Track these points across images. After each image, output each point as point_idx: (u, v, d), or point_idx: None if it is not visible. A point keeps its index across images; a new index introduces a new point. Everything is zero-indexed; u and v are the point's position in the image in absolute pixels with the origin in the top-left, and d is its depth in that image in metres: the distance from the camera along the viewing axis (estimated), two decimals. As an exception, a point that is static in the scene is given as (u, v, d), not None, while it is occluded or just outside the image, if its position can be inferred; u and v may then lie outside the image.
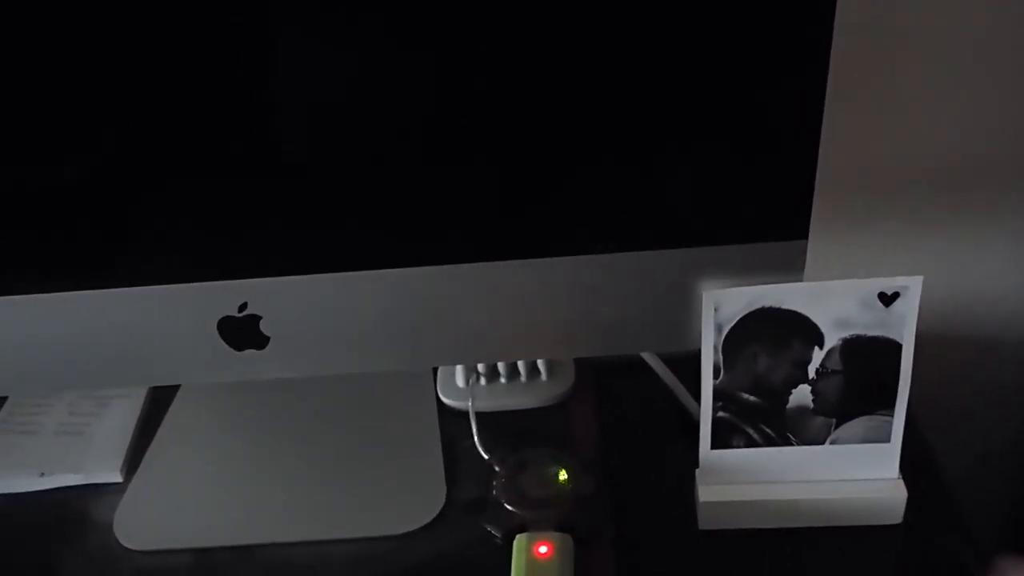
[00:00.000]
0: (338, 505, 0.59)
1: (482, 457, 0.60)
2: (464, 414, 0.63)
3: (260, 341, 0.54)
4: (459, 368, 0.66)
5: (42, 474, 0.62)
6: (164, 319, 0.54)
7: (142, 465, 0.63)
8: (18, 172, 0.49)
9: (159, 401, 0.69)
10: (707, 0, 0.44)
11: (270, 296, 0.53)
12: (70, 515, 0.61)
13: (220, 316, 0.53)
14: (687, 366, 0.68)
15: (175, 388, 0.70)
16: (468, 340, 0.55)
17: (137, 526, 0.59)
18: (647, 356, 0.64)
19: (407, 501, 0.59)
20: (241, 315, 0.53)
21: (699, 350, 0.53)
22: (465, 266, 0.52)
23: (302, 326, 0.54)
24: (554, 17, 0.45)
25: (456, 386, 0.66)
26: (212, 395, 0.70)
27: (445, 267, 0.52)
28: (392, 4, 0.44)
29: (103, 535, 0.59)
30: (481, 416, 0.63)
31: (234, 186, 0.50)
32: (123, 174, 0.49)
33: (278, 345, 0.54)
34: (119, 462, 0.63)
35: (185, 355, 0.55)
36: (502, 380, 0.65)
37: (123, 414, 0.67)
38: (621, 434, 0.63)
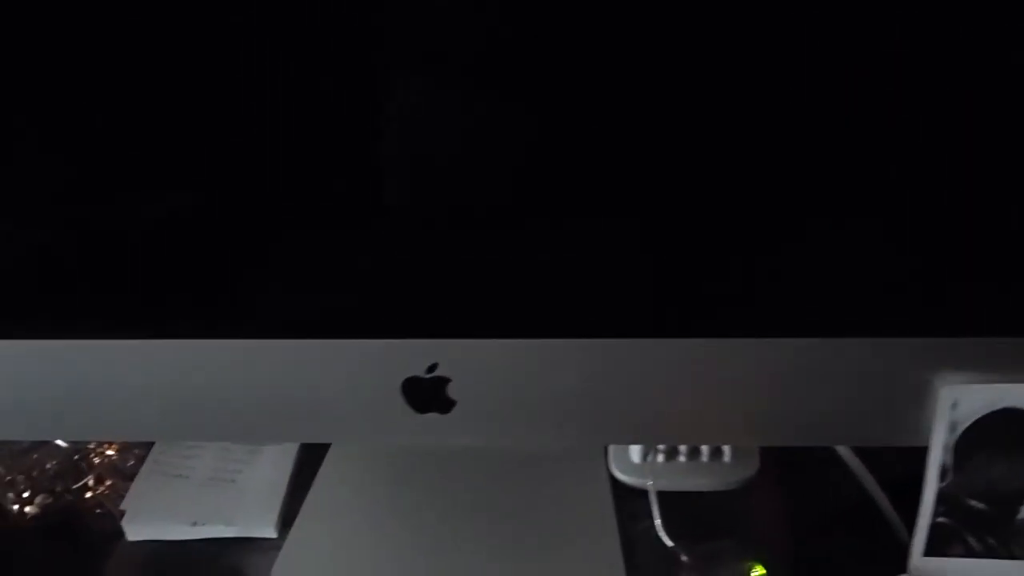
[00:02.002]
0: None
1: (663, 543, 0.56)
2: (638, 492, 0.59)
3: (445, 405, 0.51)
4: (633, 442, 0.62)
5: (195, 523, 0.60)
6: (348, 374, 0.51)
7: (297, 523, 0.60)
8: (209, 217, 0.47)
9: (310, 452, 0.66)
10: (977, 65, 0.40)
11: (462, 359, 0.50)
12: (223, 567, 0.58)
13: (407, 376, 0.50)
14: (873, 455, 0.63)
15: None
16: (667, 419, 0.51)
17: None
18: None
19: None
20: (429, 376, 0.50)
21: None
22: (675, 341, 0.48)
23: (491, 392, 0.51)
24: (813, 75, 0.41)
25: (631, 461, 0.61)
26: (369, 455, 0.66)
27: (647, 340, 0.49)
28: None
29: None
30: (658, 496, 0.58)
31: (435, 241, 0.47)
32: (323, 223, 0.47)
33: (463, 410, 0.51)
34: (274, 517, 0.60)
35: (362, 413, 0.52)
36: (681, 458, 0.61)
37: (274, 464, 0.64)
38: (809, 526, 0.58)
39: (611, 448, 0.63)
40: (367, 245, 0.48)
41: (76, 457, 0.65)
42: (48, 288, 0.50)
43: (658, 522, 0.56)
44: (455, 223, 0.47)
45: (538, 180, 0.46)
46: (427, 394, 0.51)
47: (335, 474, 0.64)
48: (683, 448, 0.61)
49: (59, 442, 0.65)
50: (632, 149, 0.44)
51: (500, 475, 0.63)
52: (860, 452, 0.61)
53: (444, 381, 0.50)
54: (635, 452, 0.61)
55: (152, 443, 0.66)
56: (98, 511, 0.63)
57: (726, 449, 0.61)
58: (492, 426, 0.52)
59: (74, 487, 0.64)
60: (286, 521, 0.60)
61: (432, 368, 0.50)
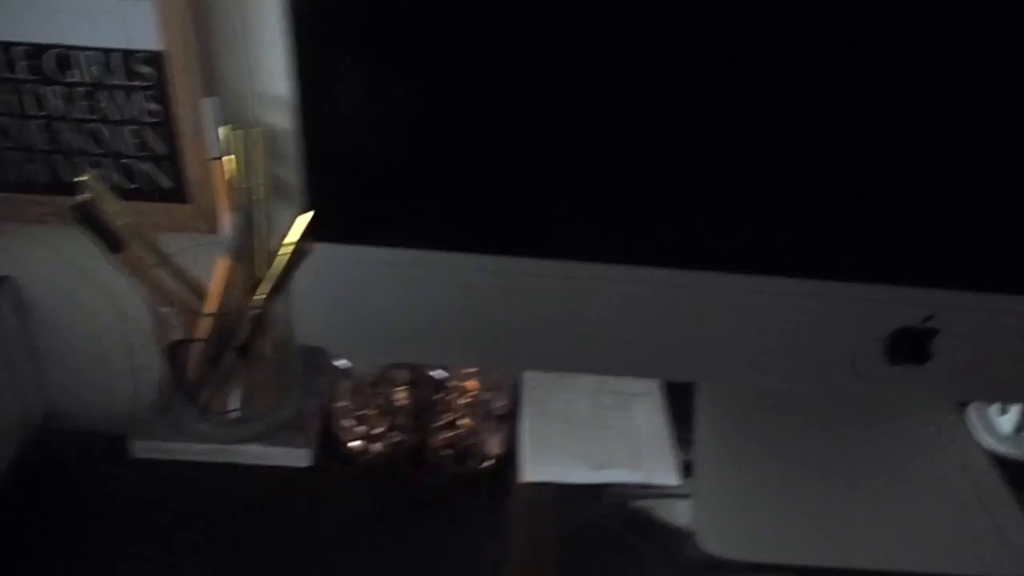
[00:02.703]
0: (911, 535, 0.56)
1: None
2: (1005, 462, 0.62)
3: (922, 357, 0.52)
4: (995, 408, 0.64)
5: (598, 467, 0.60)
6: (829, 319, 0.51)
7: (696, 471, 0.61)
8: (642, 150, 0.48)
9: (676, 397, 0.67)
10: None
11: (954, 312, 0.51)
12: (636, 514, 0.58)
13: (898, 325, 0.51)
14: None
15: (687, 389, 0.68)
16: None
17: (719, 534, 0.56)
18: None
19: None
20: (921, 327, 0.51)
21: None
22: None
23: (972, 348, 0.52)
24: None
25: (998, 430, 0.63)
26: (738, 399, 0.67)
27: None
28: None
29: (679, 539, 0.56)
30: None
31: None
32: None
33: (939, 363, 0.52)
34: (672, 463, 0.60)
35: (823, 361, 0.53)
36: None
37: (650, 413, 0.65)
38: None
39: (972, 411, 0.64)
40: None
41: (439, 395, 0.64)
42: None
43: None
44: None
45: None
46: (910, 345, 0.52)
47: (714, 424, 0.65)
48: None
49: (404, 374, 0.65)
50: None
51: (865, 427, 0.65)
52: None
53: (933, 333, 0.51)
54: (1007, 421, 0.63)
55: (515, 385, 0.66)
56: (453, 450, 0.63)
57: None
58: (964, 381, 0.53)
59: (435, 425, 0.63)
60: (683, 470, 0.61)
61: (927, 319, 0.51)
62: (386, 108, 0.46)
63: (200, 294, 0.57)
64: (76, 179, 0.52)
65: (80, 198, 0.50)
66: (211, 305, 0.55)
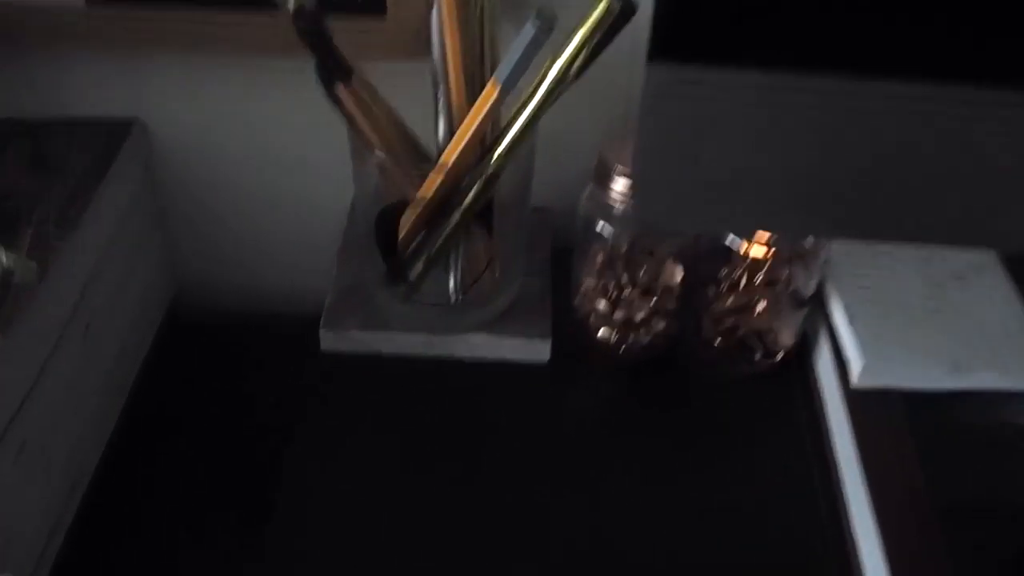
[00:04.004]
0: None
1: None
2: None
3: None
4: None
5: (955, 369, 0.43)
6: None
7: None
8: None
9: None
10: None
11: None
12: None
13: None
14: None
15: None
16: None
17: None
18: None
19: None
20: None
21: None
22: None
23: None
24: None
25: None
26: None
27: None
28: None
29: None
30: None
31: None
32: None
33: None
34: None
35: None
36: None
37: (990, 294, 0.47)
38: None
39: None
40: None
41: (722, 271, 0.48)
42: None
43: None
44: None
45: None
46: None
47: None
48: None
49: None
50: None
51: None
52: None
53: None
54: None
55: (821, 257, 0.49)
56: (738, 341, 0.47)
57: None
58: None
59: (716, 309, 0.47)
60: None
61: None
62: None
63: (413, 141, 0.42)
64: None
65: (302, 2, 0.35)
66: (449, 154, 0.40)
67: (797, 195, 0.32)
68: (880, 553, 0.38)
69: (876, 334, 0.44)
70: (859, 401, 0.43)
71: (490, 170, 0.40)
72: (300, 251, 0.53)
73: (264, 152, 0.50)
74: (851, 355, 0.44)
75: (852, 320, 0.44)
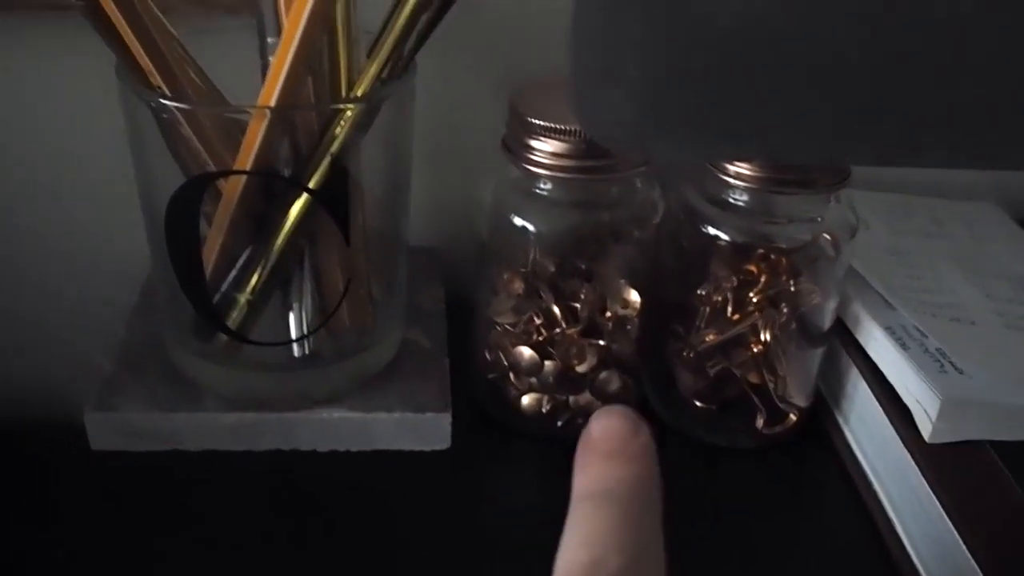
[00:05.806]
0: None
1: None
2: None
3: None
4: None
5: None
6: None
7: None
8: None
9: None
10: None
11: None
12: None
13: None
14: None
15: None
16: None
17: None
18: None
19: None
20: None
21: None
22: None
23: None
24: None
25: None
26: None
27: None
28: None
29: None
30: None
31: None
32: None
33: None
34: None
35: None
36: None
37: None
38: None
39: None
40: None
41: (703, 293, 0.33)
42: None
43: None
44: None
45: None
46: None
47: None
48: None
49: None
50: None
51: None
52: None
53: None
54: None
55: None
56: (730, 397, 0.32)
57: None
58: None
59: (691, 348, 0.32)
60: None
61: None
62: None
63: (211, 84, 0.27)
64: None
65: None
66: (271, 88, 0.25)
67: (800, 93, 0.17)
68: None
69: (943, 367, 0.29)
70: (935, 460, 0.27)
71: (338, 129, 0.26)
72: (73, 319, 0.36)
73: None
74: (918, 399, 0.28)
75: (905, 347, 0.29)
